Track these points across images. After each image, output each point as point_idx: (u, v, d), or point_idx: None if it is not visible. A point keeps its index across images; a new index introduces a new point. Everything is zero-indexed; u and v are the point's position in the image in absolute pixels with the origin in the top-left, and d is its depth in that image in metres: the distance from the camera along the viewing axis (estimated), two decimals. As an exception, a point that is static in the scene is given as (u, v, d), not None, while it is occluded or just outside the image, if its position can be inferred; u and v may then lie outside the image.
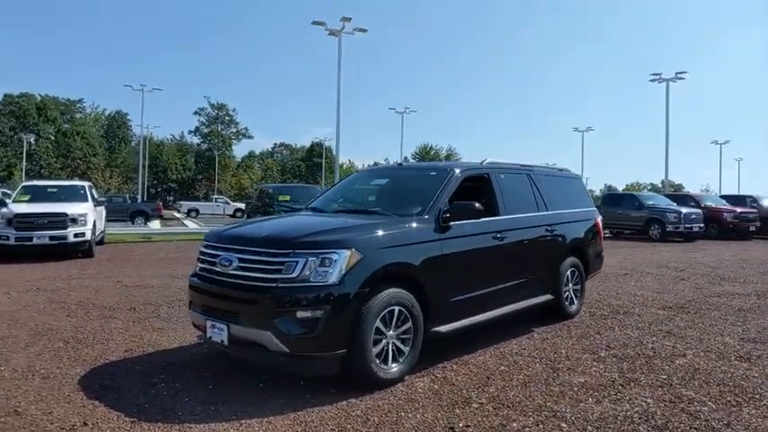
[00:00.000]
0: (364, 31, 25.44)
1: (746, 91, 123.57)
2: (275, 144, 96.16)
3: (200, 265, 4.54)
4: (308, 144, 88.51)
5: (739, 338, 5.62)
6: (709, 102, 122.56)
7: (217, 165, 72.50)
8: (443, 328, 4.59)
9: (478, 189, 5.40)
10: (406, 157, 65.72)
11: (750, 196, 24.17)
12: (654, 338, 5.60)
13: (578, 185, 7.30)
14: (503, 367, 4.63)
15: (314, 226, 4.32)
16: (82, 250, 12.25)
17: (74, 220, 11.95)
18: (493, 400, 3.89)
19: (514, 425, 3.47)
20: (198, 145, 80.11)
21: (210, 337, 4.18)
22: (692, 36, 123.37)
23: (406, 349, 4.26)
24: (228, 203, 44.88)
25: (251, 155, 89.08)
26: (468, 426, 3.45)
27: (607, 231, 20.31)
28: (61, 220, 11.81)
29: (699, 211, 20.58)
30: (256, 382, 4.19)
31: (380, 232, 4.26)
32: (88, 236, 12.17)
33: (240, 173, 79.37)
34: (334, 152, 78.57)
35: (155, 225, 27.66)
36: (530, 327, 5.95)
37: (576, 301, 6.61)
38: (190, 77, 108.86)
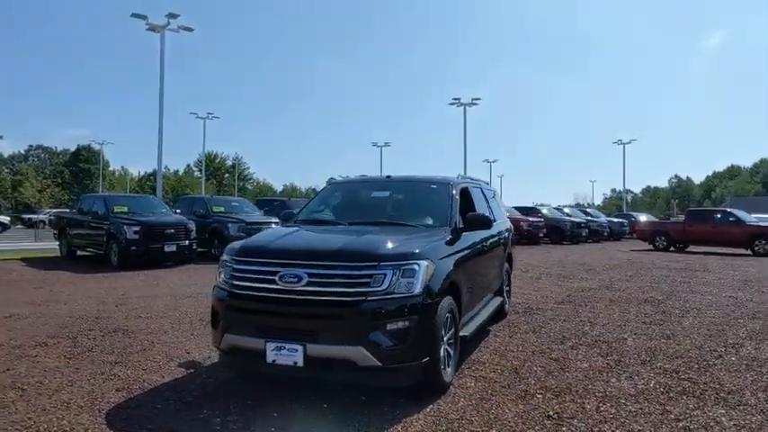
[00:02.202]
0: (190, 30, 23.85)
1: (510, 116, 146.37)
2: (30, 146, 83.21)
3: (238, 282, 4.13)
4: (70, 147, 78.59)
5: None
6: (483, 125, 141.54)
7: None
8: (466, 332, 4.90)
9: (462, 201, 5.84)
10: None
11: (534, 207, 28.86)
12: (576, 324, 6.67)
13: (498, 197, 8.23)
14: (516, 361, 5.13)
15: (382, 238, 4.26)
16: None
17: None
18: (545, 389, 4.36)
19: (588, 406, 3.98)
20: None
21: (274, 361, 3.86)
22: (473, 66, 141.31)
23: (453, 353, 4.48)
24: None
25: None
26: (560, 412, 3.86)
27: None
28: None
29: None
30: (313, 405, 3.99)
31: (435, 243, 4.41)
32: None
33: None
34: (104, 157, 72.05)
35: None
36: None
37: (507, 301, 7.46)
38: None
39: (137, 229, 13.35)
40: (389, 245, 4.08)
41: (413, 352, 3.87)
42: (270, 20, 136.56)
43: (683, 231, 20.78)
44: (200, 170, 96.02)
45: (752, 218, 20.68)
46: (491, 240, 6.15)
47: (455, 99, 38.48)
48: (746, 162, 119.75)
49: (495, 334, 6.29)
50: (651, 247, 21.75)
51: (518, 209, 28.69)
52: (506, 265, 7.34)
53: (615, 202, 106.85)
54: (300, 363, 3.79)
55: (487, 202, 6.76)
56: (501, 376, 4.71)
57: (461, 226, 5.07)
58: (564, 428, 3.59)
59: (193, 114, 50.90)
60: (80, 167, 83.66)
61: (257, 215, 16.86)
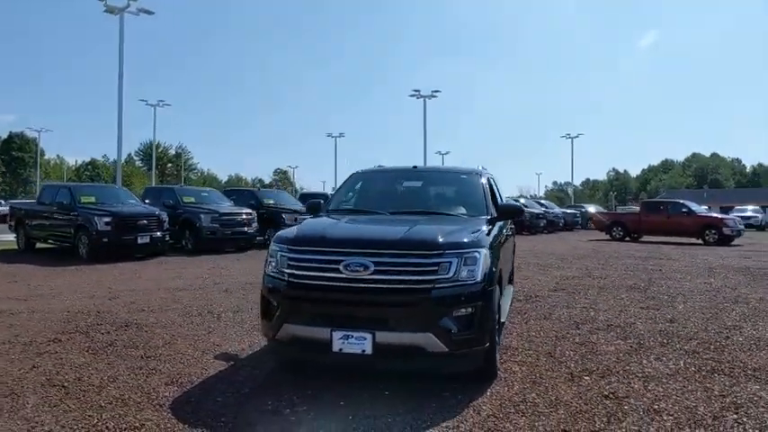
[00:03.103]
0: (150, 12, 22.90)
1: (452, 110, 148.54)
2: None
3: (297, 272, 4.08)
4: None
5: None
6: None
7: None
8: (503, 318, 5.04)
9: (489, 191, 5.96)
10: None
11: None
12: (580, 310, 6.96)
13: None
14: (546, 346, 5.31)
15: (443, 227, 4.31)
16: None
17: None
18: (589, 372, 4.55)
19: (635, 386, 4.19)
20: None
21: (341, 350, 3.85)
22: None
23: (498, 339, 4.60)
24: None
25: None
26: (613, 392, 4.04)
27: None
28: None
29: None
30: (376, 393, 4.02)
31: (484, 232, 4.50)
32: None
33: None
34: (39, 146, 67.89)
35: None
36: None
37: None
38: None
39: (108, 219, 12.84)
40: (452, 234, 4.14)
41: (477, 337, 3.96)
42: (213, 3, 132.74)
43: (639, 222, 21.84)
44: (142, 159, 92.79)
45: (702, 209, 21.97)
46: (510, 229, 6.31)
47: (415, 91, 38.82)
48: (680, 156, 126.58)
49: (510, 321, 6.46)
50: (608, 237, 22.72)
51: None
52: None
53: (557, 194, 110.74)
54: (369, 351, 3.80)
55: (500, 191, 6.91)
56: (539, 360, 4.87)
57: (495, 215, 5.19)
58: (625, 407, 3.77)
59: (143, 101, 48.82)
60: (12, 156, 79.05)
61: (228, 205, 16.50)
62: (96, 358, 4.86)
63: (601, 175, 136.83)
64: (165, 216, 14.02)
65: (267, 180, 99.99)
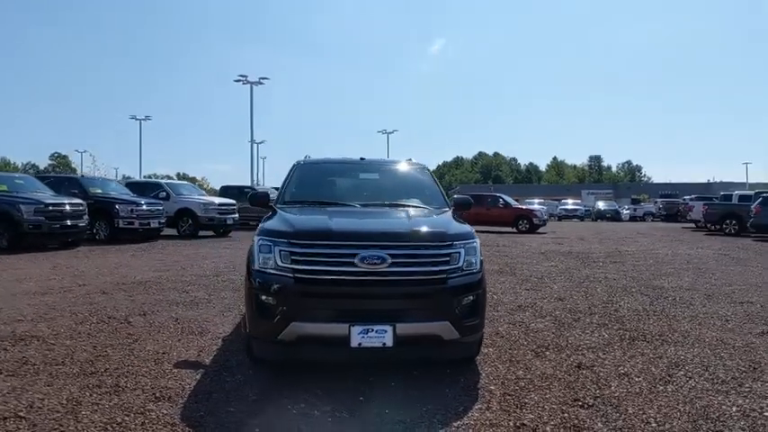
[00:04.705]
0: None
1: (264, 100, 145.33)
2: None
3: (305, 267, 3.84)
4: None
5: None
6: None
7: None
8: None
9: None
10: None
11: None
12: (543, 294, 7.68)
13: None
14: (490, 328, 5.74)
15: (441, 219, 4.39)
16: None
17: None
18: (543, 348, 5.07)
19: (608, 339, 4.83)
20: None
21: (360, 344, 3.74)
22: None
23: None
24: None
25: None
26: (581, 363, 4.60)
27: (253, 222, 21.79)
28: None
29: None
30: (386, 385, 4.02)
31: (466, 224, 4.71)
32: None
33: None
34: None
35: None
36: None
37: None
38: None
39: (37, 207, 12.66)
40: (454, 225, 4.31)
41: (480, 323, 4.21)
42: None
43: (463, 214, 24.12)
44: None
45: (515, 202, 25.13)
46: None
47: (241, 76, 37.16)
48: (468, 154, 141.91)
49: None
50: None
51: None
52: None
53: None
54: (390, 343, 3.78)
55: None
56: (498, 341, 5.26)
57: (453, 208, 5.45)
58: (601, 374, 4.33)
59: None
60: None
61: (51, 195, 14.20)
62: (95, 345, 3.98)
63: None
64: (85, 205, 13.39)
65: (42, 166, 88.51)
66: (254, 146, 43.97)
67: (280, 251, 3.92)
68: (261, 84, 37.24)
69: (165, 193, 18.44)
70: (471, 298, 4.09)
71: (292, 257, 3.88)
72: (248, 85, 36.93)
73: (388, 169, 6.05)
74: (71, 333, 5.30)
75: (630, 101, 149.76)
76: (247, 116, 39.40)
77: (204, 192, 22.26)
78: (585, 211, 48.15)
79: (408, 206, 5.18)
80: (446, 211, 5.18)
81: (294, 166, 5.74)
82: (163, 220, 16.82)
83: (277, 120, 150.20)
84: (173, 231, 18.45)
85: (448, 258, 4.01)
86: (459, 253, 4.06)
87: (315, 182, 5.62)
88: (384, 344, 3.78)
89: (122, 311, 6.28)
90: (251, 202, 5.39)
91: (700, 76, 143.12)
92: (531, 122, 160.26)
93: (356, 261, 3.82)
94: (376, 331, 3.77)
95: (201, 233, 18.72)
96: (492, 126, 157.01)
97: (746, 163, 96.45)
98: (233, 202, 19.77)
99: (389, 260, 3.85)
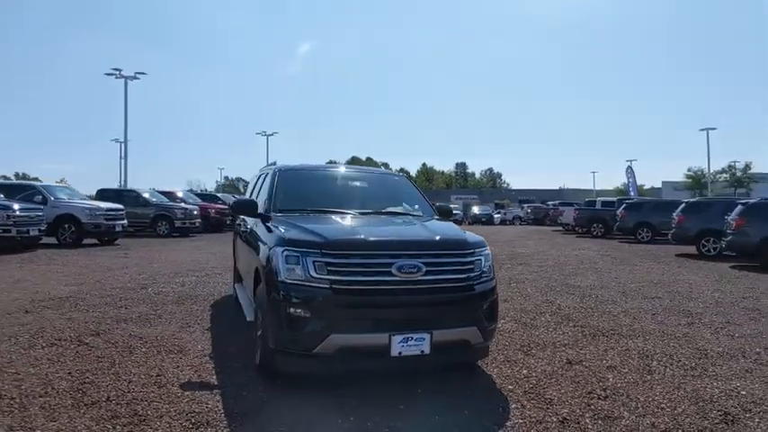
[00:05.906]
0: None
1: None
2: None
3: (342, 278, 3.79)
4: None
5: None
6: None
7: None
8: None
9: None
10: None
11: (216, 195, 28.98)
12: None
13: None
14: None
15: (451, 227, 4.53)
16: None
17: None
18: (529, 346, 5.43)
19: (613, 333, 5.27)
20: None
21: (400, 353, 3.78)
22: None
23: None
24: None
25: None
26: (568, 359, 5.00)
27: (132, 228, 20.22)
28: None
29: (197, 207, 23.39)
30: (416, 392, 4.10)
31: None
32: None
33: None
34: None
35: None
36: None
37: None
38: None
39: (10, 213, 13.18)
40: (468, 234, 4.50)
41: (496, 327, 4.44)
42: None
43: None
44: None
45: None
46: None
47: (115, 69, 34.05)
48: (342, 158, 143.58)
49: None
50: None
51: (201, 197, 28.51)
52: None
53: (230, 190, 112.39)
54: (427, 350, 3.87)
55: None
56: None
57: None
58: (591, 368, 4.76)
59: None
60: None
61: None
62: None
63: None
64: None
65: None
66: (123, 145, 40.57)
67: (313, 262, 3.83)
68: (137, 78, 34.42)
69: (40, 197, 16.53)
70: (491, 303, 4.30)
71: (329, 268, 3.81)
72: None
73: (374, 177, 6.10)
74: (27, 360, 4.66)
75: (491, 110, 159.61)
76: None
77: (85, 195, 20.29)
78: (462, 215, 51.08)
79: (407, 214, 5.30)
80: (438, 218, 5.35)
81: (275, 172, 5.53)
82: (43, 228, 15.05)
83: (136, 119, 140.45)
84: (51, 240, 16.57)
85: (472, 266, 4.19)
86: (480, 260, 4.26)
87: (305, 189, 5.49)
88: (422, 351, 3.86)
89: (68, 332, 5.61)
90: (234, 210, 5.13)
91: (541, 96, 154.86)
92: (402, 128, 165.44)
93: (393, 270, 3.86)
94: (416, 339, 3.84)
95: (85, 241, 17.02)
96: (365, 130, 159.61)
97: (594, 172, 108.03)
98: (121, 207, 18.22)
99: (424, 269, 3.94)
